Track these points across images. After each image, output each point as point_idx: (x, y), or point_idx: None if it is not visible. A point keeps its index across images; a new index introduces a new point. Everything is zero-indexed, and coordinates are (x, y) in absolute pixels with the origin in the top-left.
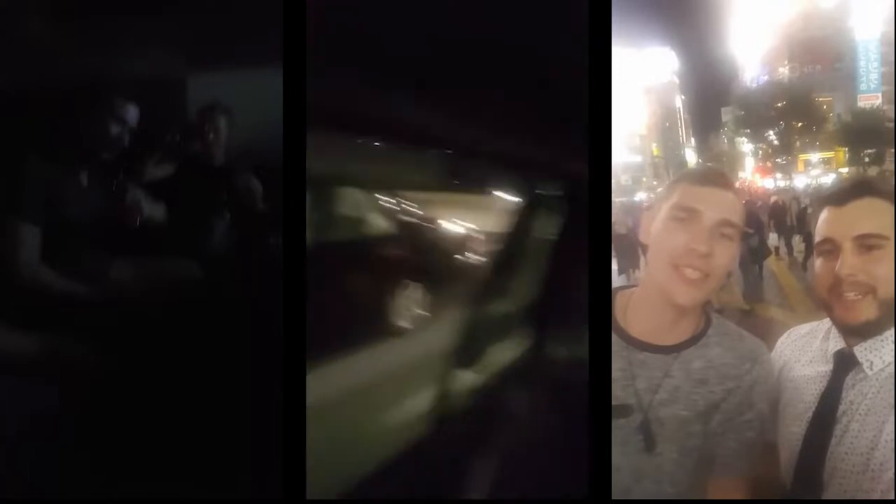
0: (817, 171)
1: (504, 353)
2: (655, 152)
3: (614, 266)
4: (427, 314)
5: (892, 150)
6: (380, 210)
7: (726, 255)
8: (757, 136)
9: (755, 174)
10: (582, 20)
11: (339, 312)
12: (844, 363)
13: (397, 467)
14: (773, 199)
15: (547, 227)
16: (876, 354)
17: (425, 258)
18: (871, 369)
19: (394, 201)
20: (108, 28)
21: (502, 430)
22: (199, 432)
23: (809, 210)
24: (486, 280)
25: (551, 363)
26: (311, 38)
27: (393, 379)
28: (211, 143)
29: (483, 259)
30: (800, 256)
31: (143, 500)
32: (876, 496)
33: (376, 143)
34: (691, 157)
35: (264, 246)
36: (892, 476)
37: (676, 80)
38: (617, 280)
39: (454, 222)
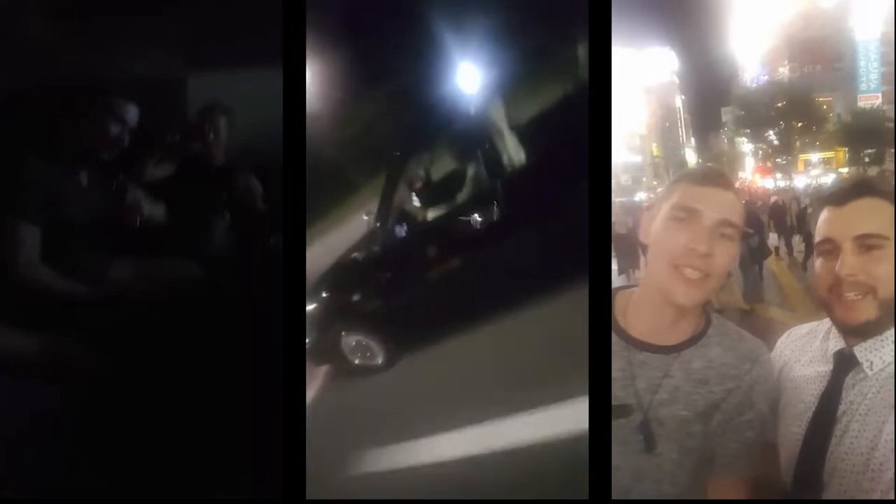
0: (817, 171)
1: None
2: (655, 152)
3: (614, 266)
4: None
5: (892, 150)
6: None
7: (726, 255)
8: (757, 136)
9: (755, 174)
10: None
11: None
12: (844, 363)
13: None
14: (773, 199)
15: None
16: (876, 354)
17: None
18: (871, 369)
19: None
20: (108, 28)
21: None
22: (200, 432)
23: (809, 210)
24: None
25: None
26: None
27: None
28: (211, 143)
29: None
30: (800, 256)
31: (143, 500)
32: (876, 496)
33: None
34: (691, 157)
35: (264, 246)
36: (892, 476)
37: (676, 80)
38: (617, 280)
39: None
